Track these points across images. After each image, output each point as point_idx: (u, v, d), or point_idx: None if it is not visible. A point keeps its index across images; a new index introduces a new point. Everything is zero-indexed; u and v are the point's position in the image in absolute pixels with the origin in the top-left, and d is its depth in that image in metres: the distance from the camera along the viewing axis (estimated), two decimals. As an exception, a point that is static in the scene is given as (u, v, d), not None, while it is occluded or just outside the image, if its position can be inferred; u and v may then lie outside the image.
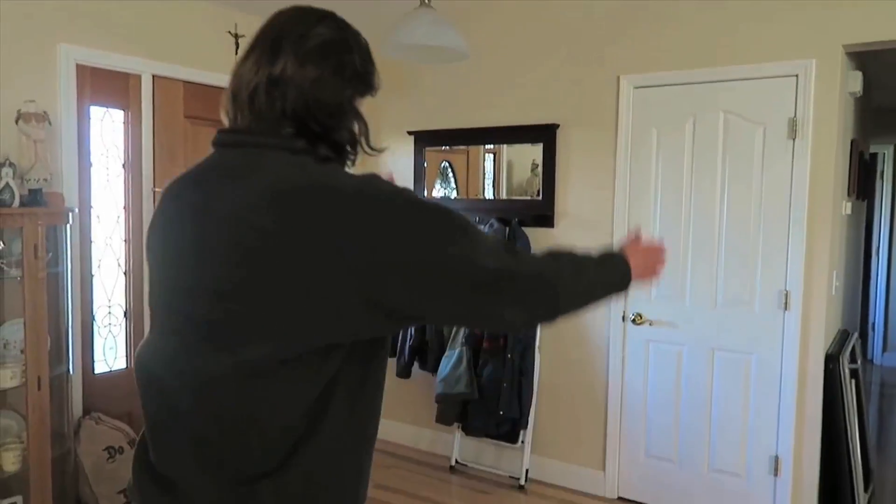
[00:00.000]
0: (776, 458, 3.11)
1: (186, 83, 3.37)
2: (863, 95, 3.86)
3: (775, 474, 3.11)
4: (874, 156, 6.51)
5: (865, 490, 3.26)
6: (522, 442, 3.72)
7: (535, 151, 3.73)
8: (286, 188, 0.96)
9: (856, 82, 3.29)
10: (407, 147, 4.20)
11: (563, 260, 1.13)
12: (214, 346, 0.98)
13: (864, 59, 3.61)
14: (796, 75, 3.00)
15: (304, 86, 1.02)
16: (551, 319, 1.11)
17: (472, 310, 1.01)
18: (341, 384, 1.00)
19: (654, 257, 1.31)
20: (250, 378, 0.96)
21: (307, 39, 1.05)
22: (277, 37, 1.06)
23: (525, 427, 3.67)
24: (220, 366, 0.97)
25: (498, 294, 1.01)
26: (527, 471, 3.72)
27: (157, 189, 3.28)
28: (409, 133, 4.15)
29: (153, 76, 3.24)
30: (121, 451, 3.05)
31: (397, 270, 0.94)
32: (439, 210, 1.02)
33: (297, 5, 1.14)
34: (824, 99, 2.97)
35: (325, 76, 1.04)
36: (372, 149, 1.13)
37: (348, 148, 1.09)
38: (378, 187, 0.99)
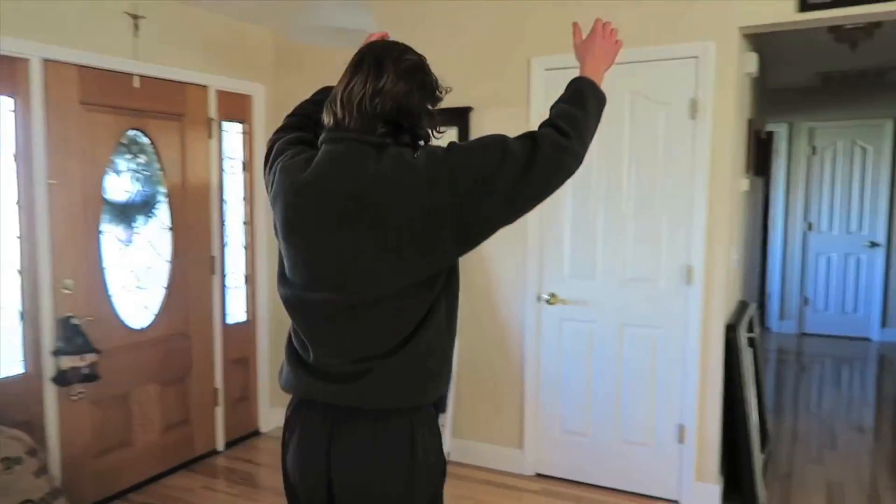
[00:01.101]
0: (681, 427, 3.26)
1: (81, 68, 3.16)
2: (759, 76, 4.05)
3: (681, 441, 3.26)
4: (770, 134, 6.87)
5: (762, 451, 3.47)
6: (442, 425, 3.75)
7: (450, 135, 3.72)
8: (391, 168, 1.38)
9: (752, 63, 3.45)
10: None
11: (564, 122, 1.49)
12: (364, 284, 1.39)
13: (760, 41, 3.79)
14: (696, 57, 3.11)
15: (398, 97, 1.43)
16: (578, 160, 1.50)
17: (526, 186, 1.42)
18: (441, 299, 1.46)
19: (608, 45, 1.69)
20: (387, 301, 1.40)
21: (401, 63, 1.46)
22: (379, 60, 1.45)
23: (444, 411, 3.70)
24: (368, 297, 1.40)
25: (537, 164, 1.41)
26: (448, 453, 3.75)
27: (52, 181, 3.07)
28: (321, 117, 4.05)
29: (43, 60, 3.01)
30: (18, 461, 2.86)
31: (477, 188, 1.36)
32: (479, 141, 1.44)
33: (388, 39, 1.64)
34: (722, 80, 3.10)
35: (413, 90, 1.46)
36: (440, 132, 1.56)
37: (422, 140, 1.51)
38: (435, 151, 1.41)
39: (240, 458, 3.91)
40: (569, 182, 3.58)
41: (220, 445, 4.01)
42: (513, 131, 3.70)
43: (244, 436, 4.19)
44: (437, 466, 1.55)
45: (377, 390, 1.43)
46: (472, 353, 3.74)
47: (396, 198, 1.35)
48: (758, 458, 3.26)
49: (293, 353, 1.60)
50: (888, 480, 3.60)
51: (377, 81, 1.42)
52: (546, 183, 1.45)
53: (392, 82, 1.42)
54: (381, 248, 1.37)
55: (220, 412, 3.99)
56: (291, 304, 1.54)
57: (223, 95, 3.90)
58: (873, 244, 6.74)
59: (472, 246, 1.44)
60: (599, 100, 1.58)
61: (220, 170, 3.93)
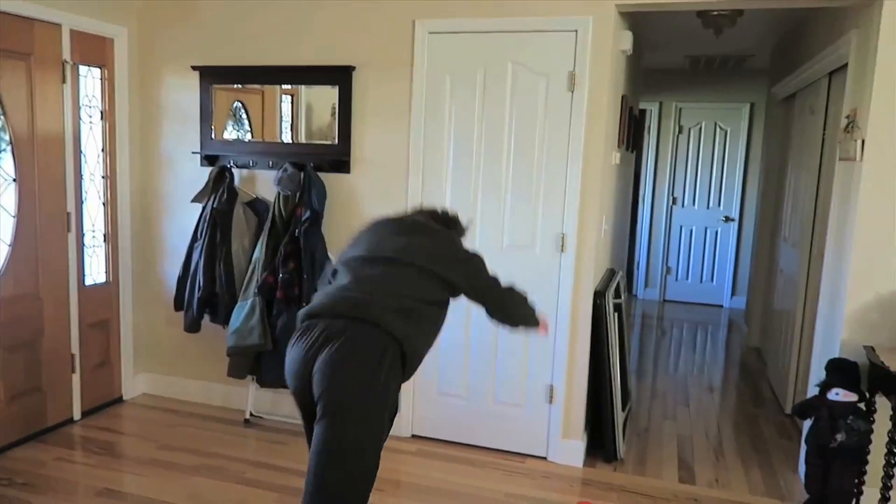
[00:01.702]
0: (551, 388, 3.41)
1: None
2: (634, 56, 4.22)
3: (550, 402, 3.41)
4: (643, 111, 7.24)
5: (624, 409, 3.70)
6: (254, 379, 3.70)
7: (334, 95, 3.60)
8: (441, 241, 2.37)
9: (627, 41, 3.57)
10: (191, 83, 3.84)
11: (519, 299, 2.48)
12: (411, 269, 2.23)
13: (636, 20, 3.93)
14: (576, 31, 3.18)
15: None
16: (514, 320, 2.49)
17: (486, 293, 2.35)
18: (445, 304, 2.31)
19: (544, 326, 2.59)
20: (416, 275, 2.22)
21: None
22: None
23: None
24: (405, 271, 2.22)
25: (495, 292, 2.38)
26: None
27: None
28: (194, 68, 3.80)
29: None
30: None
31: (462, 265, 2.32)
32: (477, 256, 2.37)
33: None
34: (599, 55, 3.19)
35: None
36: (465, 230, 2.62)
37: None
38: (462, 246, 2.39)
39: (99, 427, 3.68)
40: (449, 149, 3.60)
41: (77, 414, 3.75)
42: (395, 93, 3.67)
43: (104, 404, 3.94)
44: (394, 390, 2.14)
45: (377, 312, 2.08)
46: (351, 318, 3.69)
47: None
48: (619, 415, 3.47)
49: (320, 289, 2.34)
50: (730, 432, 3.96)
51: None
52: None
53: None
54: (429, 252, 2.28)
55: (76, 379, 3.72)
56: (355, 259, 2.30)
57: (79, 36, 3.55)
58: (728, 219, 7.32)
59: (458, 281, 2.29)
60: (533, 319, 2.53)
61: (77, 118, 3.60)
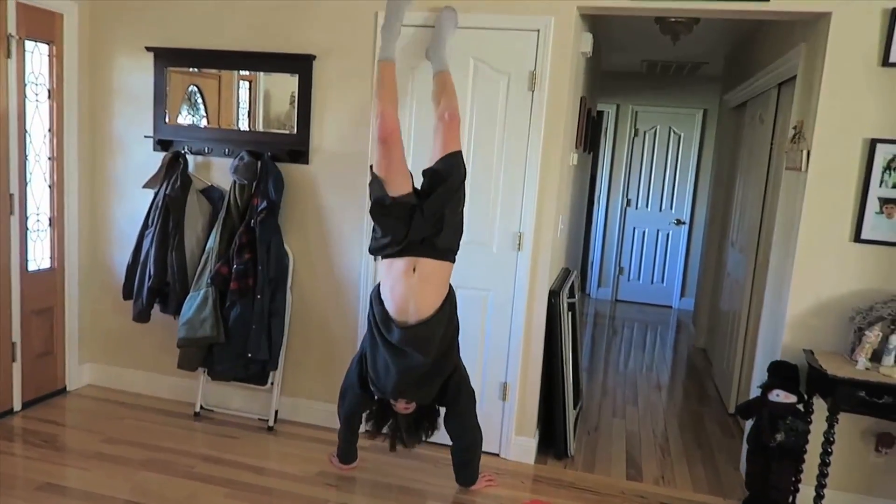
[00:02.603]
0: (505, 385, 3.44)
1: None
2: (594, 58, 4.28)
3: (503, 399, 3.45)
4: (601, 113, 7.35)
5: (575, 406, 3.77)
6: (272, 383, 3.66)
7: (293, 83, 3.55)
8: None
9: (587, 43, 3.62)
10: (145, 64, 3.73)
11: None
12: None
13: (596, 23, 3.99)
14: (538, 30, 3.20)
15: None
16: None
17: None
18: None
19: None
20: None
21: None
22: None
23: (275, 368, 3.61)
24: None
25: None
26: (276, 412, 3.68)
27: None
28: (148, 49, 3.69)
29: None
30: None
31: None
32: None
33: None
34: (559, 55, 3.22)
35: None
36: None
37: None
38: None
39: (40, 419, 3.55)
40: (410, 143, 3.58)
41: (18, 405, 3.61)
42: (357, 85, 3.64)
43: (47, 394, 3.81)
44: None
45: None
46: (306, 311, 3.66)
47: None
48: (571, 413, 3.53)
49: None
50: (676, 430, 4.07)
51: None
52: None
53: None
54: None
55: (17, 368, 3.59)
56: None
57: (25, 9, 3.41)
58: (679, 222, 7.50)
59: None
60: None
61: (22, 95, 3.46)
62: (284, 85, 3.60)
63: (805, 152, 3.05)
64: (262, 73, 3.64)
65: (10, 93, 3.37)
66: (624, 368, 5.32)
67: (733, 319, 4.57)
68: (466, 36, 3.29)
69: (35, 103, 3.58)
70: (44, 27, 3.54)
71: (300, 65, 3.50)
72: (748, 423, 3.29)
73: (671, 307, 7.62)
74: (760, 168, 4.20)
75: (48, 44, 3.60)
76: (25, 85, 3.48)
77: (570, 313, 3.61)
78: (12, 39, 3.35)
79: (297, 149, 3.56)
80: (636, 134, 7.52)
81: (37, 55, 3.56)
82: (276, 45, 3.52)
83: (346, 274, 3.58)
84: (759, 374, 3.37)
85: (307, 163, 3.57)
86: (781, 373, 3.01)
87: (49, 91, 3.64)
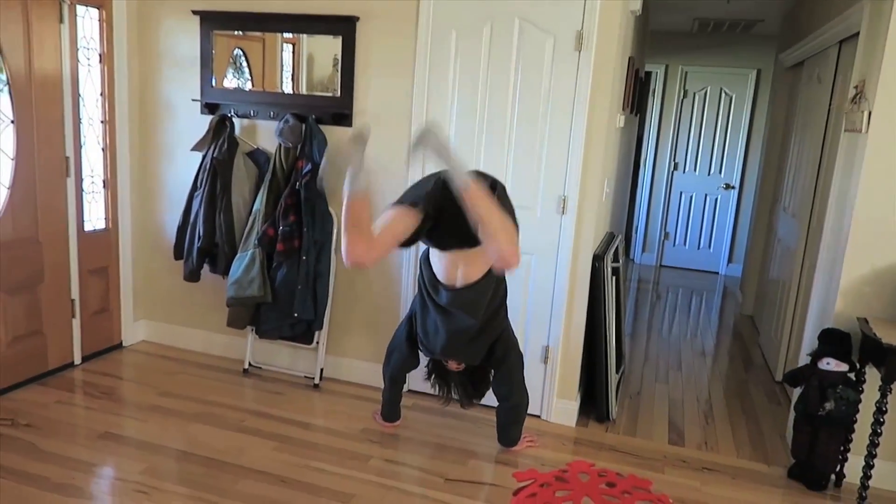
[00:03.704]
0: (547, 348, 3.45)
1: None
2: (642, 18, 4.15)
3: (545, 362, 3.46)
4: (648, 74, 7.15)
5: (617, 371, 3.76)
6: (317, 343, 3.75)
7: (336, 46, 3.54)
8: None
9: (636, 2, 3.50)
10: (191, 28, 3.77)
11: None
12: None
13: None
14: (586, -12, 3.12)
15: None
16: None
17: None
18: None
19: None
20: None
21: None
22: None
23: (320, 328, 3.68)
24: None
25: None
26: (321, 370, 3.77)
27: None
28: (195, 12, 3.72)
29: None
30: None
31: None
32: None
33: None
34: (607, 14, 3.13)
35: None
36: None
37: None
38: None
39: (99, 372, 3.72)
40: (453, 105, 3.55)
41: (78, 359, 3.78)
42: (400, 47, 3.60)
43: (104, 349, 3.97)
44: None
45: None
46: (350, 273, 3.71)
47: None
48: (613, 377, 3.53)
49: None
50: (721, 397, 4.03)
51: None
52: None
53: None
54: None
55: (76, 324, 3.74)
56: None
57: (79, -24, 3.47)
58: (728, 186, 7.30)
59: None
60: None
61: (75, 60, 3.54)
62: (327, 47, 3.59)
63: (866, 113, 2.92)
64: (304, 36, 3.64)
65: (63, 57, 3.45)
66: (668, 334, 5.26)
67: (783, 286, 4.46)
68: (512, -6, 3.22)
69: (87, 67, 3.66)
70: (94, -9, 3.60)
71: (343, 27, 3.48)
72: (796, 391, 3.24)
73: (717, 273, 7.48)
74: (817, 130, 4.04)
75: (98, 8, 3.65)
76: (78, 49, 3.56)
77: (613, 278, 3.58)
78: (64, 4, 3.41)
79: (340, 111, 3.57)
80: (685, 95, 7.30)
81: (87, 20, 3.62)
82: (319, 8, 3.51)
83: (390, 236, 3.60)
84: (809, 342, 3.29)
85: (351, 125, 3.58)
86: (832, 341, 2.94)
87: (100, 55, 3.71)
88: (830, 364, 2.89)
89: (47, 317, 3.57)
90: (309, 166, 3.45)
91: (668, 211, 7.56)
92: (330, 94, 3.61)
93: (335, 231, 3.64)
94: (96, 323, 3.90)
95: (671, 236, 7.60)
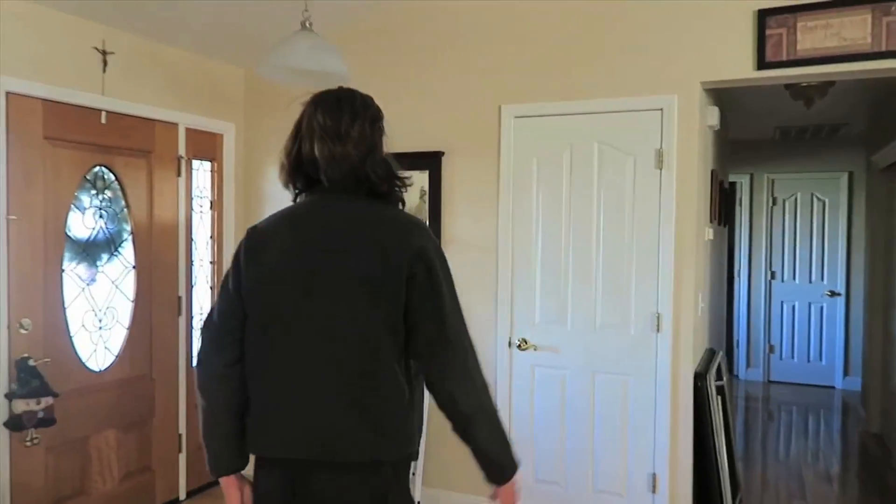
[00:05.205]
0: (654, 476, 3.23)
1: (46, 101, 3.12)
2: (721, 129, 4.19)
3: (653, 491, 3.23)
4: (733, 184, 7.08)
5: (734, 499, 3.46)
6: (413, 474, 3.67)
7: (423, 179, 3.75)
8: None
9: (714, 117, 3.55)
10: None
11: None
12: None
13: (721, 95, 3.92)
14: (661, 109, 3.20)
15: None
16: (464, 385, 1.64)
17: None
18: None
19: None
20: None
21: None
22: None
23: (416, 459, 3.61)
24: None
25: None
26: (419, 502, 3.66)
27: (12, 217, 2.98)
28: (294, 159, 4.05)
29: (7, 93, 2.97)
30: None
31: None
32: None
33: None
34: (686, 132, 3.19)
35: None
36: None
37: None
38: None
39: (200, 508, 3.76)
40: (538, 229, 3.61)
41: (183, 494, 3.85)
42: (484, 176, 3.74)
43: (208, 483, 4.04)
44: None
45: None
46: (442, 399, 3.68)
47: None
48: (728, 506, 3.25)
49: None
50: (855, 529, 3.61)
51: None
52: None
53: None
54: None
55: (182, 459, 3.85)
56: None
57: (193, 133, 3.88)
58: (833, 293, 6.91)
59: None
60: (507, 460, 1.70)
61: (189, 208, 3.89)
62: (415, 181, 3.79)
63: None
64: (394, 172, 3.86)
65: (179, 206, 3.81)
66: (785, 457, 4.84)
67: (912, 400, 4.07)
68: (588, 121, 3.35)
69: (199, 213, 4.01)
70: (207, 147, 4.01)
71: (430, 162, 3.69)
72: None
73: (833, 387, 6.92)
74: (925, 231, 3.83)
75: (210, 161, 4.05)
76: (192, 199, 3.92)
77: (719, 397, 3.39)
78: (182, 160, 3.81)
79: (429, 240, 3.69)
80: (774, 203, 7.14)
81: (201, 172, 4.02)
82: (406, 146, 3.75)
83: (481, 361, 3.58)
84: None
85: (439, 253, 3.68)
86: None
87: (211, 202, 4.07)
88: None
89: (156, 452, 3.70)
90: (400, 294, 3.55)
91: (770, 322, 7.18)
92: (418, 225, 3.76)
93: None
94: (201, 457, 3.99)
95: (777, 349, 7.17)
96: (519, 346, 3.48)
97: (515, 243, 3.50)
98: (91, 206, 3.39)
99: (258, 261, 1.59)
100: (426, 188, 3.72)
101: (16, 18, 2.99)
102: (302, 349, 1.54)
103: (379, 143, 1.64)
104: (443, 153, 3.67)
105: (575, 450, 3.39)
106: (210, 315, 1.66)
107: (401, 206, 1.68)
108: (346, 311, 1.53)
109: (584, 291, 3.37)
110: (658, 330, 3.22)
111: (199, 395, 1.64)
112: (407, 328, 1.56)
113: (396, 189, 1.65)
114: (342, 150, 1.57)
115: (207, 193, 4.06)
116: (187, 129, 3.84)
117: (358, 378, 1.53)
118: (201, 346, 1.64)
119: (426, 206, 3.73)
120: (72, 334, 3.26)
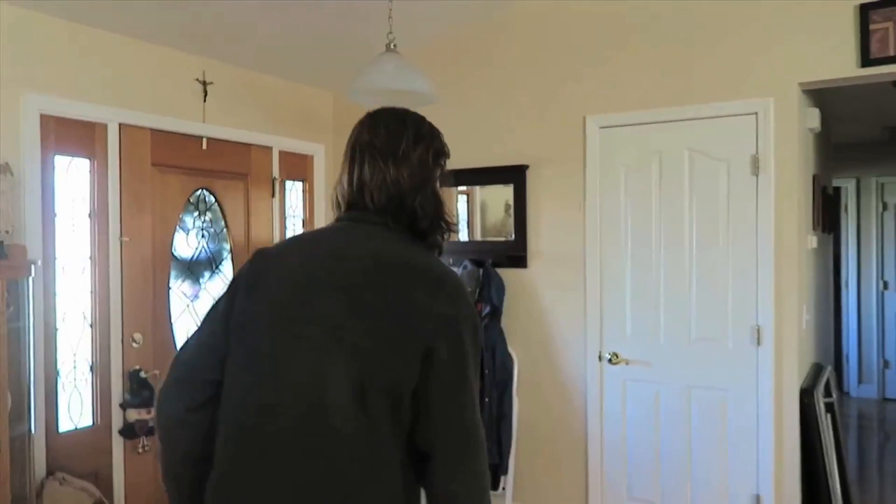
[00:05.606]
0: (758, 498, 3.06)
1: (154, 131, 3.35)
2: (823, 131, 3.96)
3: (757, 513, 3.07)
4: (837, 190, 6.67)
5: (848, 526, 3.23)
6: (503, 488, 3.64)
7: (507, 192, 3.75)
8: None
9: (814, 119, 3.37)
10: (378, 191, 4.19)
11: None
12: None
13: (822, 95, 3.72)
14: (755, 113, 3.07)
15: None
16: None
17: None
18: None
19: None
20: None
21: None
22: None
23: (505, 473, 3.60)
24: None
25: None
26: (507, 518, 3.63)
27: (125, 238, 3.21)
28: (381, 177, 4.15)
29: (119, 124, 3.21)
30: (84, 512, 2.91)
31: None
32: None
33: None
34: (784, 136, 3.04)
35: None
36: None
37: None
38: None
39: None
40: (627, 240, 3.52)
41: None
42: (569, 189, 3.71)
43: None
44: None
45: None
46: (533, 414, 3.64)
47: None
48: (841, 533, 3.03)
49: None
50: None
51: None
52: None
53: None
54: None
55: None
56: None
57: (285, 155, 4.05)
58: (956, 304, 6.36)
59: None
60: None
61: (283, 226, 4.05)
62: (498, 194, 3.81)
63: None
64: (477, 187, 3.89)
65: (274, 225, 3.97)
66: (906, 482, 4.47)
67: None
68: (676, 128, 3.26)
69: (292, 231, 4.16)
70: (298, 168, 4.17)
71: (514, 175, 3.69)
72: None
73: (960, 407, 6.35)
74: None
75: (302, 181, 4.21)
76: (285, 217, 4.09)
77: (828, 415, 3.18)
78: (276, 181, 3.98)
79: (515, 254, 3.69)
80: (885, 208, 6.67)
81: (293, 192, 4.18)
82: (491, 160, 3.76)
83: (571, 376, 3.54)
84: None
85: (525, 266, 3.67)
86: None
87: (303, 220, 4.23)
88: None
89: None
90: (488, 308, 3.56)
91: (884, 336, 6.67)
92: (503, 239, 3.77)
93: (516, 371, 3.64)
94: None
95: (892, 364, 6.65)
96: (610, 361, 3.39)
97: (604, 255, 3.43)
98: (194, 227, 3.59)
99: (253, 291, 1.32)
100: (511, 202, 3.72)
101: (127, 55, 3.23)
102: (279, 423, 1.20)
103: (435, 179, 1.40)
104: (527, 166, 3.66)
105: (671, 467, 3.27)
106: (184, 347, 1.39)
107: (436, 254, 1.43)
108: (339, 380, 1.19)
109: (678, 303, 3.26)
110: (758, 343, 3.06)
111: (157, 437, 1.39)
112: (413, 412, 1.22)
113: (439, 232, 1.40)
114: (395, 173, 1.33)
115: (299, 212, 4.22)
116: (280, 152, 4.02)
117: (343, 477, 1.18)
118: (164, 384, 1.36)
119: (511, 220, 3.72)
120: (178, 348, 3.45)
